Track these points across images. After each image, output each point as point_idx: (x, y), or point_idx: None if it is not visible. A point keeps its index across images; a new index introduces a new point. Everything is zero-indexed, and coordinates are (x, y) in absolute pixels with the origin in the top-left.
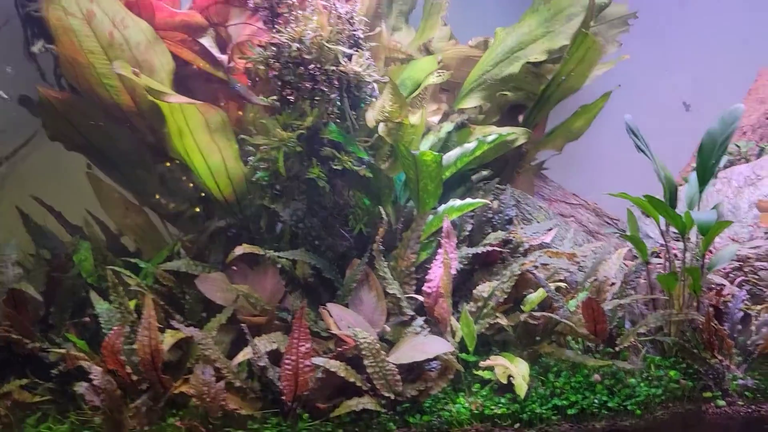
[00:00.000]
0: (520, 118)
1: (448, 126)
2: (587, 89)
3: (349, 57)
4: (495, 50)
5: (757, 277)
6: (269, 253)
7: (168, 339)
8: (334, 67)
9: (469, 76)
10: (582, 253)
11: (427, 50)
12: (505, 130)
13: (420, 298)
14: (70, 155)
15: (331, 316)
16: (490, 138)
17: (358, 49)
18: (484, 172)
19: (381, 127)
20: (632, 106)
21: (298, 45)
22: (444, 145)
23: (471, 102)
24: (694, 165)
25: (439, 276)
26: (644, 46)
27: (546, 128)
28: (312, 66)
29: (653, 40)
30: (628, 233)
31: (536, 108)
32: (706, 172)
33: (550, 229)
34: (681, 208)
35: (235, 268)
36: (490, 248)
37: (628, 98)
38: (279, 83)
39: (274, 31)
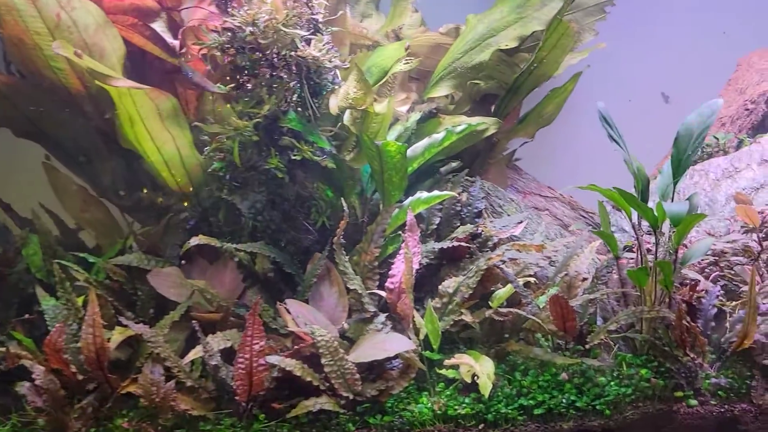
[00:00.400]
0: (493, 108)
1: (416, 116)
2: (562, 80)
3: (308, 41)
4: (466, 37)
5: (732, 272)
6: (225, 246)
7: (116, 337)
8: (291, 53)
9: (439, 64)
10: (553, 247)
11: (397, 37)
12: (474, 119)
13: (382, 294)
14: (31, 146)
15: (289, 312)
16: (458, 128)
17: (318, 34)
18: (453, 164)
19: (346, 116)
20: (610, 98)
21: (251, 29)
22: (412, 136)
23: (441, 91)
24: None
25: (401, 271)
26: (622, 35)
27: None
28: (269, 51)
29: (632, 29)
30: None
31: (508, 97)
32: (680, 163)
33: (520, 222)
34: (655, 201)
35: (184, 261)
36: (456, 243)
37: (606, 90)
38: (234, 69)
39: (228, 14)
